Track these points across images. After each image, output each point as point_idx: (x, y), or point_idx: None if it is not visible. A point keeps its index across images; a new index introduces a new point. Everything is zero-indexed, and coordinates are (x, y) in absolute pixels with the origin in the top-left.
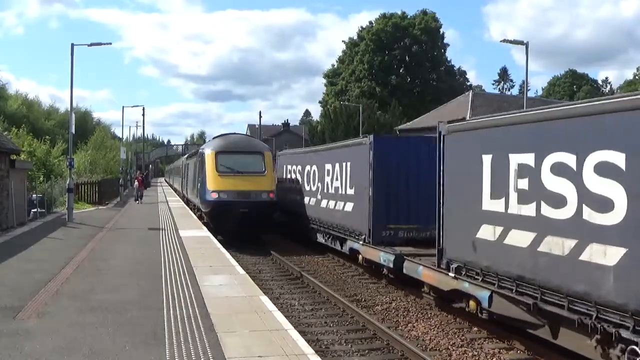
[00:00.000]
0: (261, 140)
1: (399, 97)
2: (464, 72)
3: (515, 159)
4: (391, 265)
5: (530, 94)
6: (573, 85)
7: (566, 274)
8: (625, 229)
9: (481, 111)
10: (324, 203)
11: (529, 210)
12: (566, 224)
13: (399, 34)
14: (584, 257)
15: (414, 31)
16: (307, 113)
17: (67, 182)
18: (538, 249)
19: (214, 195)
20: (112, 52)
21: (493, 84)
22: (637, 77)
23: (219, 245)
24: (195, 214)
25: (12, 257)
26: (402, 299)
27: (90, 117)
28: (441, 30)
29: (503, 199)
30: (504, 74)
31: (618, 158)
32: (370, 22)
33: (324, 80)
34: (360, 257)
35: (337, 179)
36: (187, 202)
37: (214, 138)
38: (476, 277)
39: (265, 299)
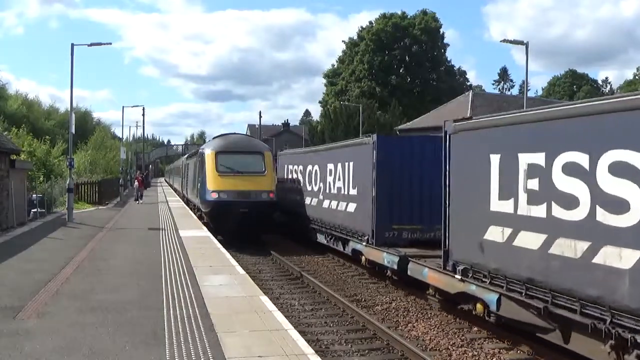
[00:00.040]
0: (261, 140)
1: (399, 97)
2: (464, 72)
3: (525, 159)
4: (395, 267)
5: (530, 94)
6: (573, 85)
7: (578, 277)
8: None
9: (481, 111)
10: (325, 203)
11: (540, 211)
12: (579, 226)
13: (399, 34)
14: (597, 259)
15: (414, 31)
16: (307, 113)
17: (67, 182)
18: (549, 251)
19: (214, 195)
20: (112, 52)
21: (493, 84)
22: (637, 77)
23: (219, 245)
24: (195, 214)
25: (12, 257)
26: (402, 299)
27: (90, 117)
28: (441, 30)
29: (512, 200)
30: (504, 74)
31: (634, 157)
32: (370, 22)
33: (324, 80)
34: (363, 258)
35: (339, 179)
36: (187, 202)
37: (214, 138)
38: (483, 279)
39: (265, 299)
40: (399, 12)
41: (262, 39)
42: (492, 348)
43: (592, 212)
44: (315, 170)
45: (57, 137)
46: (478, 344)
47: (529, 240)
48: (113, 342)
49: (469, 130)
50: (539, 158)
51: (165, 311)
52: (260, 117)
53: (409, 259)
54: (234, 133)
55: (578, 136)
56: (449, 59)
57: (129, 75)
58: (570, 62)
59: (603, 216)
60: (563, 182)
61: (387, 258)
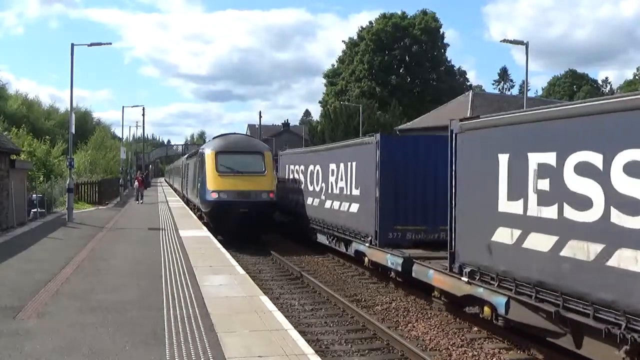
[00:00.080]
0: (261, 140)
1: (399, 97)
2: (464, 72)
3: (535, 159)
4: (399, 269)
5: (530, 94)
6: (573, 85)
7: (592, 281)
8: None
9: (481, 111)
10: (328, 204)
11: (550, 212)
12: (592, 228)
13: (399, 34)
14: (611, 262)
15: (414, 31)
16: (307, 113)
17: (67, 182)
18: (560, 254)
19: (214, 195)
20: (112, 52)
21: (493, 84)
22: (637, 77)
23: (219, 245)
24: (195, 214)
25: (12, 257)
26: (402, 299)
27: (90, 117)
28: (441, 30)
29: (521, 201)
30: (504, 74)
31: None
32: (370, 22)
33: (324, 80)
34: (366, 259)
35: (342, 179)
36: (187, 202)
37: (214, 138)
38: (491, 282)
39: (265, 299)
40: (399, 12)
41: (262, 39)
42: (492, 348)
43: (606, 214)
44: (317, 170)
45: (57, 137)
46: (478, 344)
47: (540, 242)
48: (113, 342)
49: (476, 130)
50: (550, 158)
51: (165, 311)
52: (260, 117)
53: (414, 260)
54: (234, 133)
55: (591, 135)
56: (449, 59)
57: (129, 75)
58: (570, 62)
59: (618, 217)
60: (575, 183)
61: (391, 259)
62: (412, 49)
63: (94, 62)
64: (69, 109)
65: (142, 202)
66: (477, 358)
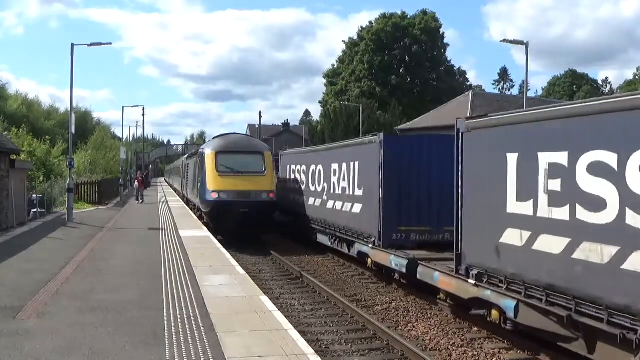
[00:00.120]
0: (261, 140)
1: (399, 97)
2: (464, 72)
3: (546, 158)
4: (404, 270)
5: (530, 94)
6: (573, 85)
7: (605, 284)
8: None
9: (481, 111)
10: (329, 204)
11: (562, 213)
12: (606, 230)
13: (399, 34)
14: (627, 266)
15: (414, 31)
16: (307, 113)
17: (67, 182)
18: (572, 256)
19: (214, 195)
20: (112, 52)
21: (493, 84)
22: (637, 77)
23: (219, 245)
24: (195, 214)
25: (12, 257)
26: (402, 299)
27: (90, 117)
28: (441, 30)
29: (531, 202)
30: (504, 74)
31: None
32: (370, 22)
33: (324, 80)
34: (369, 260)
35: (344, 179)
36: (187, 202)
37: (214, 138)
38: (499, 284)
39: (265, 299)
40: (399, 12)
41: (262, 39)
42: (492, 348)
43: (621, 215)
44: (319, 170)
45: (57, 137)
46: (478, 344)
47: (551, 244)
48: (113, 342)
49: (483, 129)
50: (562, 157)
51: (165, 311)
52: (260, 117)
53: (418, 262)
54: (234, 133)
55: (605, 134)
56: (449, 59)
57: (129, 75)
58: (570, 62)
59: (633, 219)
60: (588, 183)
61: (395, 261)
62: (412, 49)
63: (94, 62)
64: (69, 109)
65: (142, 202)
66: (477, 358)
